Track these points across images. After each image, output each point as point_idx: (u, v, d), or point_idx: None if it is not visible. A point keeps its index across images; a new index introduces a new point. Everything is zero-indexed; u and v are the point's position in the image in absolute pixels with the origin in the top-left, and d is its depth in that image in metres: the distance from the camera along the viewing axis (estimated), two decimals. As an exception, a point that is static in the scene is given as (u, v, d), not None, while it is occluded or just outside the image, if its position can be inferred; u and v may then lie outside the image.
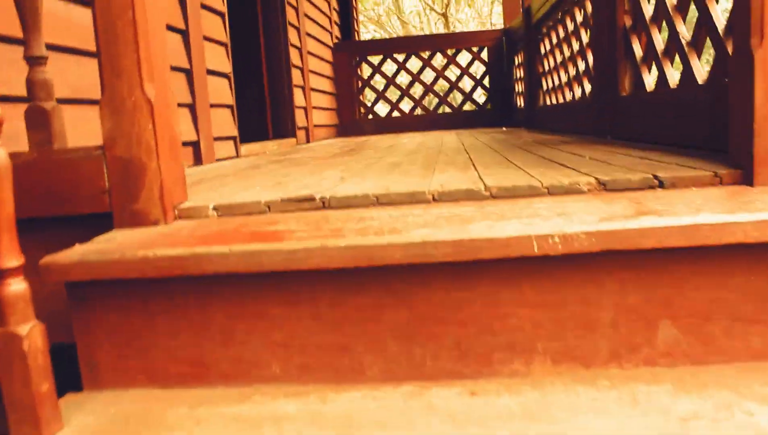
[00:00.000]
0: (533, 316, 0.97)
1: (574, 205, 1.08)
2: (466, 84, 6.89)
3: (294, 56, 4.81)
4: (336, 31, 6.70)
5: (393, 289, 0.97)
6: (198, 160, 2.79)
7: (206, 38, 2.99)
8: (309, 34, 5.36)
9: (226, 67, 3.24)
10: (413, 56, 6.50)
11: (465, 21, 14.82)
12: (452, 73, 6.70)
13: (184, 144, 2.69)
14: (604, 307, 0.97)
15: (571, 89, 3.66)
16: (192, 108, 2.76)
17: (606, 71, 2.61)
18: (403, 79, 7.13)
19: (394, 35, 15.14)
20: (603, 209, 1.02)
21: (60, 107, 1.27)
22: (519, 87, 5.92)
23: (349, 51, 6.46)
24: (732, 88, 1.29)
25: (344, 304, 0.98)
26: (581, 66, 3.47)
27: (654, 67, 2.31)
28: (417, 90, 8.18)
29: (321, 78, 5.80)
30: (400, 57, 6.57)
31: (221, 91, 3.16)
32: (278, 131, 4.73)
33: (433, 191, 1.19)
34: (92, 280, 0.99)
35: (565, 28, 3.77)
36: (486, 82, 6.56)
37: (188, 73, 2.75)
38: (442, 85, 7.45)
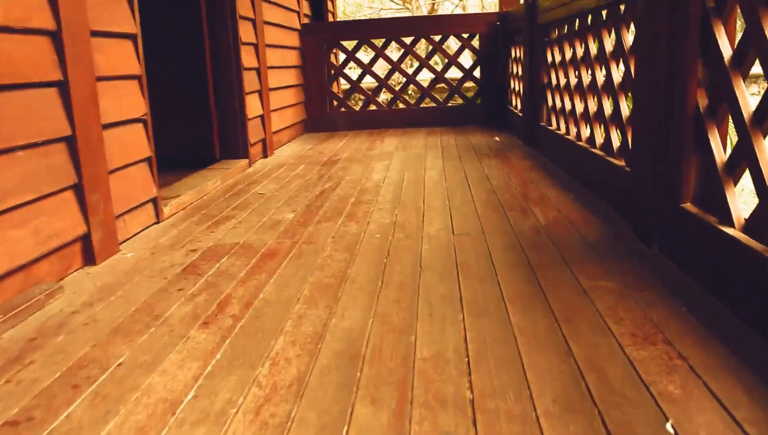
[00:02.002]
0: None
1: None
2: (454, 75, 6.08)
3: (247, 58, 3.93)
4: (305, 8, 5.74)
5: None
6: (90, 259, 2.01)
7: (103, 78, 2.15)
8: (268, 22, 4.46)
9: (139, 108, 2.40)
10: (393, 42, 5.58)
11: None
12: (437, 62, 5.83)
13: (66, 244, 1.90)
14: None
15: (590, 125, 2.90)
16: (78, 188, 1.96)
17: (655, 154, 1.86)
18: (380, 67, 6.23)
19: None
20: None
21: None
22: (515, 84, 5.10)
23: (320, 34, 5.53)
24: None
25: None
26: (608, 106, 2.69)
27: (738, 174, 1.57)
28: (397, 79, 7.26)
29: (284, 71, 4.92)
30: (379, 42, 5.67)
31: (131, 144, 2.34)
32: (227, 150, 3.91)
33: None
34: None
35: (585, 45, 2.96)
36: (476, 73, 5.70)
37: (70, 141, 1.93)
38: (425, 76, 6.53)
